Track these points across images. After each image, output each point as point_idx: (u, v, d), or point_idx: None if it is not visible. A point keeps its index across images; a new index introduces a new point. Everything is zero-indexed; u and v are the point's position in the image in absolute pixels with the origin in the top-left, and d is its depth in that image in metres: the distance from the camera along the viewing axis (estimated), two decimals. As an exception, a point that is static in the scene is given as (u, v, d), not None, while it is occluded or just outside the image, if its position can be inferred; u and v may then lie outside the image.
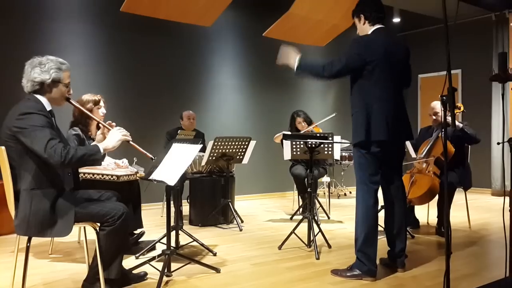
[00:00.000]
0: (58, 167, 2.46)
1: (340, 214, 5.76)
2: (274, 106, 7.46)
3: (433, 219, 4.83)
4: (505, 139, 2.73)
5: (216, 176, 5.07)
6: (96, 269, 2.58)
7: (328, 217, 5.41)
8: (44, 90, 2.51)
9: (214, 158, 4.73)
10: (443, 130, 2.20)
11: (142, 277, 2.99)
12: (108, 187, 3.13)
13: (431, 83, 8.66)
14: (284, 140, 4.52)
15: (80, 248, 3.88)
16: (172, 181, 2.78)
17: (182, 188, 5.01)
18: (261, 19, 6.68)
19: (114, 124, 2.80)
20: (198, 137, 5.41)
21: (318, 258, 3.54)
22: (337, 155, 4.60)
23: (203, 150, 4.64)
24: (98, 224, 2.59)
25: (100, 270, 2.55)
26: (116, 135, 2.61)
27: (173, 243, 3.32)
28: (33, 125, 2.35)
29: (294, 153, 4.42)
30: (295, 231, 3.88)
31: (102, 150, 2.49)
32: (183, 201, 5.26)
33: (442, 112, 2.21)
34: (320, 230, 3.94)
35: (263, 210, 6.12)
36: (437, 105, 4.52)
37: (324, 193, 6.23)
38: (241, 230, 4.70)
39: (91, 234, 2.69)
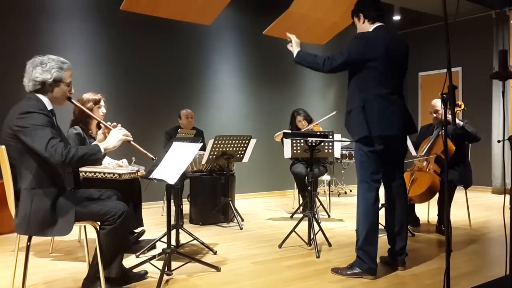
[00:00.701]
0: (59, 166, 2.47)
1: (341, 212, 5.76)
2: (274, 104, 7.46)
3: (434, 217, 4.83)
4: (506, 137, 2.73)
5: (217, 175, 5.07)
6: (97, 267, 2.58)
7: (329, 216, 5.41)
8: (45, 90, 2.50)
9: (214, 156, 4.72)
10: (443, 128, 2.20)
11: (143, 275, 2.99)
12: (109, 186, 3.13)
13: (432, 81, 8.65)
14: (284, 139, 4.53)
15: (80, 247, 3.88)
16: (172, 179, 2.78)
17: (182, 186, 5.01)
18: (261, 17, 6.67)
19: (115, 124, 2.80)
20: (197, 135, 5.41)
21: (318, 257, 3.54)
22: (337, 154, 4.61)
23: (203, 148, 4.64)
24: (99, 223, 2.59)
25: (101, 269, 2.55)
26: (117, 135, 2.61)
27: (173, 242, 3.32)
28: (34, 124, 2.35)
29: (295, 151, 4.42)
30: (296, 230, 3.88)
31: (102, 150, 2.49)
32: (183, 199, 5.26)
33: (443, 110, 2.21)
34: (321, 229, 3.94)
35: (263, 209, 6.13)
36: (437, 103, 4.51)
37: (325, 192, 6.23)
38: (241, 228, 4.70)
39: (92, 233, 2.69)
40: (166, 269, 2.96)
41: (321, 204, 5.45)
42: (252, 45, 7.26)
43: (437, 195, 4.28)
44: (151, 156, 3.00)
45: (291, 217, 5.38)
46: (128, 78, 6.15)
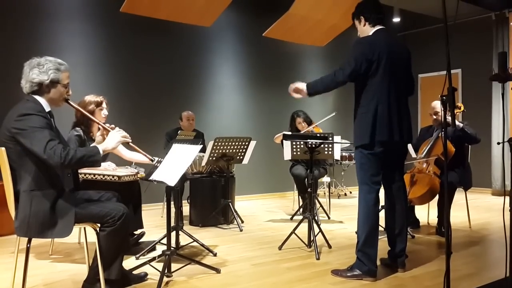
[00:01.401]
0: (58, 168, 2.46)
1: (340, 214, 5.76)
2: (274, 106, 7.46)
3: (434, 219, 4.82)
4: (505, 139, 2.73)
5: (216, 177, 5.07)
6: (97, 269, 2.58)
7: (329, 217, 5.41)
8: (42, 91, 2.50)
9: (214, 158, 4.72)
10: (443, 130, 2.20)
11: (143, 277, 2.99)
12: (109, 188, 3.13)
13: (431, 83, 8.66)
14: (284, 140, 4.52)
15: (80, 249, 3.88)
16: (172, 181, 2.78)
17: (182, 188, 5.01)
18: (261, 19, 6.68)
19: (113, 126, 2.80)
20: (198, 137, 5.40)
21: (318, 258, 3.54)
22: (337, 155, 4.60)
23: (203, 150, 4.64)
24: (99, 225, 2.59)
25: (101, 270, 2.55)
26: (115, 137, 2.61)
27: (173, 244, 3.32)
28: (32, 127, 2.35)
29: (294, 153, 4.42)
30: (296, 231, 3.88)
31: (101, 152, 2.49)
32: (183, 201, 5.26)
33: (442, 112, 2.21)
34: (321, 230, 3.94)
35: (263, 211, 6.12)
36: (437, 104, 4.51)
37: (324, 193, 6.23)
38: (241, 230, 4.69)
39: (92, 235, 2.69)
40: (166, 271, 2.96)
41: (321, 206, 5.45)
42: (252, 46, 7.27)
43: (437, 197, 4.27)
44: (150, 157, 3.01)
45: (291, 219, 5.38)
46: (128, 80, 6.15)
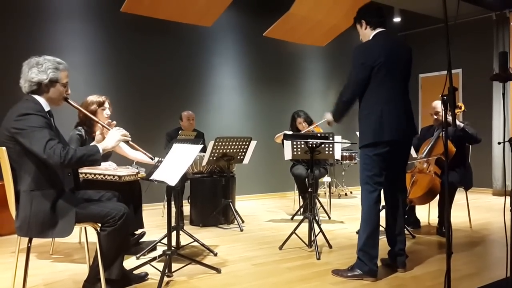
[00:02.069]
0: (58, 168, 2.46)
1: (341, 214, 5.75)
2: (275, 106, 7.46)
3: (434, 219, 4.82)
4: (506, 139, 2.73)
5: (217, 176, 5.07)
6: (97, 269, 2.58)
7: (329, 217, 5.41)
8: (41, 90, 2.50)
9: (215, 158, 4.72)
10: (444, 129, 2.20)
11: (143, 277, 2.99)
12: (109, 188, 3.13)
13: (432, 83, 8.65)
14: (285, 140, 4.53)
15: (81, 249, 3.88)
16: (173, 181, 2.78)
17: (183, 188, 5.01)
18: (262, 19, 6.68)
19: (114, 123, 2.80)
20: (198, 137, 5.40)
21: (319, 258, 3.54)
22: (337, 155, 4.60)
23: (203, 150, 4.64)
24: (99, 225, 2.59)
25: (101, 270, 2.55)
26: (115, 135, 2.61)
27: (174, 244, 3.32)
28: (32, 126, 2.35)
29: (295, 153, 4.42)
30: (296, 231, 3.88)
31: (101, 151, 2.49)
32: (184, 201, 5.26)
33: (443, 111, 2.21)
34: (321, 230, 3.94)
35: (264, 210, 6.12)
36: (438, 104, 4.51)
37: (325, 193, 6.22)
38: (241, 230, 4.69)
39: (92, 235, 2.69)
40: (166, 271, 2.96)
41: (322, 205, 5.45)
42: (253, 46, 7.27)
43: (437, 197, 4.27)
44: (150, 156, 3.00)
45: (292, 218, 5.38)
46: (128, 80, 6.15)
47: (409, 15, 8.26)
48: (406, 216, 3.90)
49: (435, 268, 3.31)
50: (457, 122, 4.33)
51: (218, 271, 3.18)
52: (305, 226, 3.92)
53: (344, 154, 6.74)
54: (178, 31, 6.39)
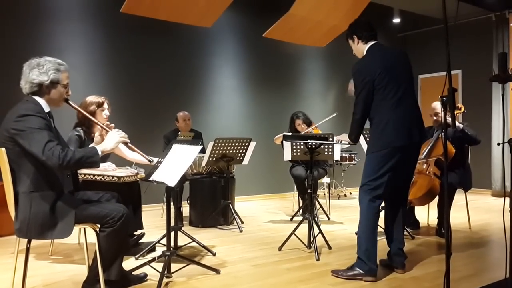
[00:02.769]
0: (56, 169, 2.45)
1: (340, 215, 5.75)
2: (274, 107, 7.46)
3: (433, 220, 4.82)
4: (505, 140, 2.73)
5: (216, 177, 5.06)
6: (96, 270, 2.58)
7: (328, 218, 5.41)
8: (42, 92, 2.50)
9: (214, 159, 4.72)
10: (443, 130, 2.20)
11: (142, 278, 2.99)
12: (108, 188, 3.13)
13: (431, 84, 8.66)
14: (284, 141, 4.52)
15: (80, 250, 3.88)
16: (172, 182, 2.78)
17: (182, 189, 5.00)
18: (261, 19, 6.68)
19: (112, 125, 2.80)
20: (196, 137, 5.40)
21: (318, 259, 3.54)
22: (337, 156, 4.60)
23: (202, 151, 4.64)
24: (98, 226, 2.59)
25: (100, 271, 2.55)
26: (114, 137, 2.61)
27: (173, 244, 3.31)
28: (31, 127, 2.34)
29: (294, 154, 4.42)
30: (295, 232, 3.88)
31: (100, 152, 2.48)
32: (183, 202, 5.25)
33: (442, 112, 2.21)
34: (320, 231, 3.94)
35: (263, 211, 6.12)
36: (437, 105, 4.51)
37: (324, 194, 6.22)
38: (241, 231, 4.69)
39: (91, 236, 2.69)
40: (165, 272, 2.96)
41: (321, 206, 5.45)
42: (253, 47, 7.27)
43: (437, 197, 4.27)
44: (147, 157, 3.00)
45: (291, 219, 5.38)
46: (127, 80, 6.15)
47: (409, 16, 8.27)
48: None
49: (434, 269, 3.31)
50: (457, 123, 4.33)
51: (217, 272, 3.18)
52: (304, 227, 3.92)
53: (344, 155, 6.75)
54: (178, 32, 6.39)
